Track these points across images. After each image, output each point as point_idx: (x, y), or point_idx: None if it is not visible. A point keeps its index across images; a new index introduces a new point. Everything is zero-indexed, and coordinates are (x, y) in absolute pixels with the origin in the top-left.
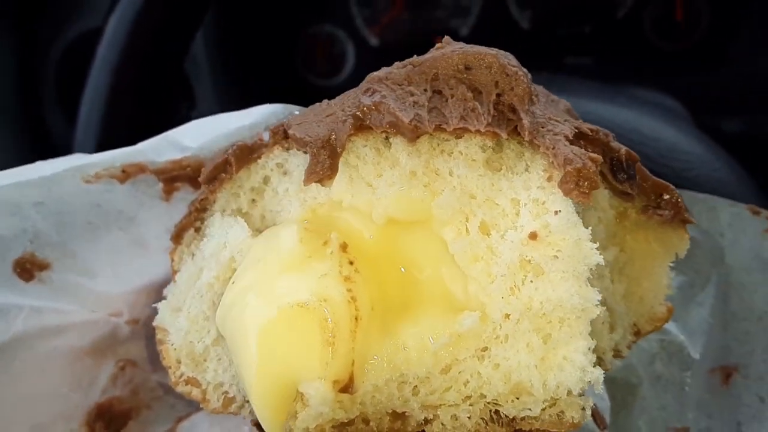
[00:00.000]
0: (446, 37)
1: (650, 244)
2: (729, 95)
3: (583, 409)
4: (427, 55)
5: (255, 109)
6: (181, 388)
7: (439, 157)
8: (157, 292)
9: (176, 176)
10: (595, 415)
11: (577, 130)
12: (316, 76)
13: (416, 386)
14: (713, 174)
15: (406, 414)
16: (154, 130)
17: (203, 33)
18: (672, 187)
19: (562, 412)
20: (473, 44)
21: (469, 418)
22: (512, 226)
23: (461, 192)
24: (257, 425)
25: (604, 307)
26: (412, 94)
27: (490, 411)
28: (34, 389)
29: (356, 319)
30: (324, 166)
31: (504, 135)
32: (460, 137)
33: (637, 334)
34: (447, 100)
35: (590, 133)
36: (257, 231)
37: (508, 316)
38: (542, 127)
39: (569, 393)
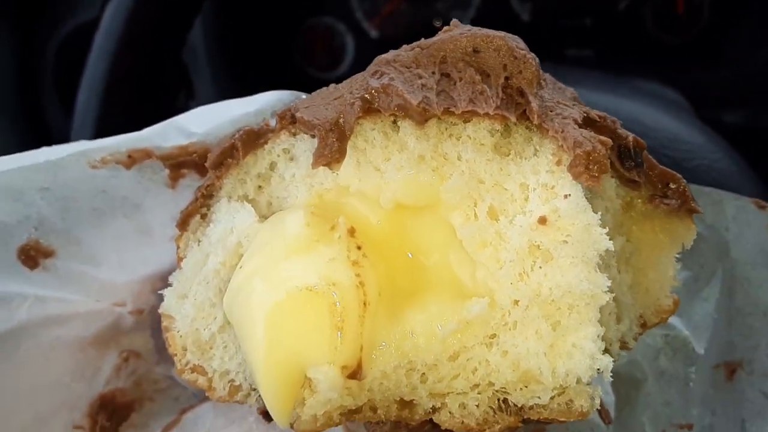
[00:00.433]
0: (454, 20)
1: (657, 235)
2: (730, 88)
3: (592, 398)
4: (435, 38)
5: (261, 96)
6: (186, 376)
7: (447, 141)
8: (162, 281)
9: (182, 162)
10: (601, 409)
11: (585, 115)
12: (316, 68)
13: (424, 373)
14: (714, 164)
15: (414, 402)
16: (151, 119)
17: (202, 25)
18: (679, 176)
19: (571, 400)
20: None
21: (477, 406)
22: (521, 210)
23: (470, 176)
24: (264, 413)
25: (613, 294)
26: (421, 77)
27: (499, 399)
28: (37, 379)
29: (364, 304)
30: (332, 148)
31: (512, 118)
32: (468, 121)
33: (644, 326)
34: (455, 83)
35: (598, 120)
36: (263, 217)
37: (516, 302)
38: (551, 111)
39: (578, 381)
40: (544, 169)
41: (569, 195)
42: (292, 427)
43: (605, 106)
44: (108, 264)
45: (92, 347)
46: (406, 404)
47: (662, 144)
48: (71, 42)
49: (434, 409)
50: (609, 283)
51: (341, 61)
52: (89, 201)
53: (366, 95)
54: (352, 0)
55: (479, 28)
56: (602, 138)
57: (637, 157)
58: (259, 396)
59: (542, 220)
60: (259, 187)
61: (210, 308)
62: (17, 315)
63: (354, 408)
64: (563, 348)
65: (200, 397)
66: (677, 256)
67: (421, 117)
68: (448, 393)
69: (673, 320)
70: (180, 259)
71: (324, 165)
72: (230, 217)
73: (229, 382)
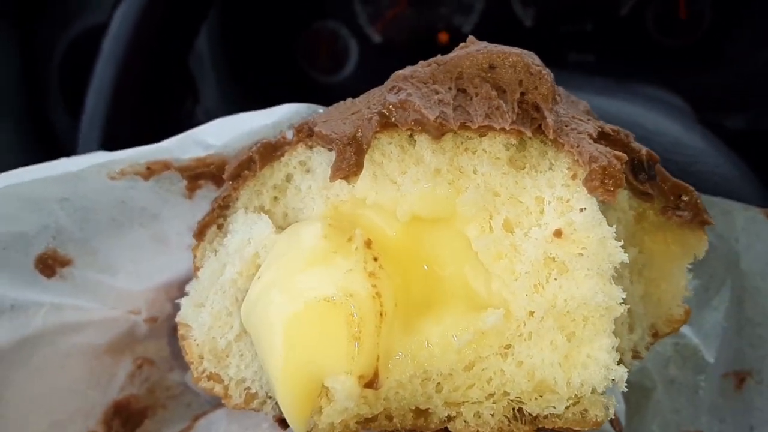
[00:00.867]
0: (470, 37)
1: (669, 246)
2: (732, 92)
3: (607, 407)
4: (452, 54)
5: (278, 108)
6: (203, 384)
7: (463, 155)
8: (177, 290)
9: (200, 174)
10: (612, 417)
11: (600, 129)
12: (319, 72)
13: (439, 383)
14: (716, 169)
15: (429, 411)
16: (158, 123)
17: (207, 29)
18: (691, 188)
19: (586, 410)
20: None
21: (492, 415)
22: (536, 223)
23: (485, 190)
24: (280, 421)
25: (627, 306)
26: (437, 92)
27: (513, 409)
28: (52, 386)
29: (381, 314)
30: (350, 162)
31: (528, 133)
32: (484, 135)
33: (656, 335)
34: (471, 99)
35: (612, 134)
36: (280, 228)
37: (532, 313)
38: (566, 126)
39: (593, 391)
40: (559, 182)
41: (584, 208)
42: None
43: (607, 111)
44: (124, 273)
45: (107, 354)
46: (421, 413)
47: (664, 149)
48: (78, 45)
49: (449, 418)
50: (624, 295)
51: (344, 66)
52: (108, 212)
53: (384, 110)
54: (356, 4)
55: (495, 44)
56: (617, 153)
57: (651, 170)
58: (275, 404)
59: (558, 233)
60: (275, 198)
61: (227, 317)
62: (33, 322)
63: (370, 417)
64: (578, 359)
65: (213, 403)
66: (688, 266)
67: (438, 132)
68: (464, 402)
69: (683, 329)
70: (197, 269)
71: (341, 178)
72: (248, 227)
73: (245, 389)
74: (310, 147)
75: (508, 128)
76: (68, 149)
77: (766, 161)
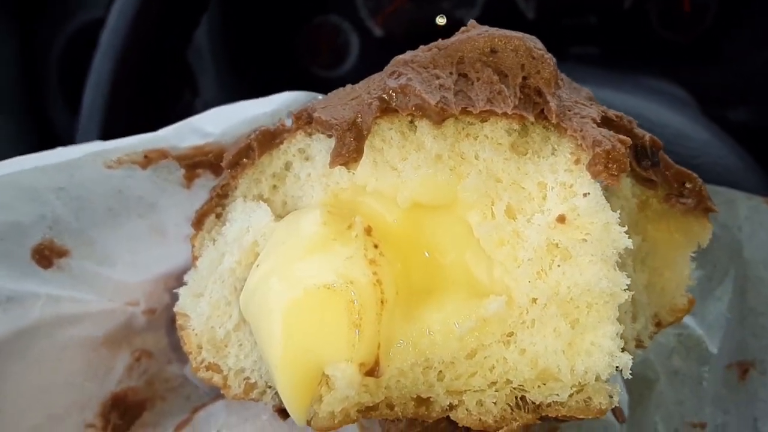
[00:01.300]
0: (472, 21)
1: (672, 234)
2: (735, 86)
3: (611, 395)
4: (453, 39)
5: (277, 96)
6: (201, 374)
7: (464, 141)
8: (175, 281)
9: (198, 162)
10: (614, 407)
11: (603, 114)
12: (320, 66)
13: (441, 371)
14: (719, 161)
15: (431, 399)
16: (157, 116)
17: (207, 22)
18: (695, 175)
19: (590, 398)
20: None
21: (494, 403)
22: (539, 209)
23: (487, 176)
24: (279, 411)
25: (632, 293)
26: (438, 77)
27: (516, 397)
28: (49, 378)
29: (382, 302)
30: (350, 148)
31: (531, 118)
32: (486, 120)
33: (659, 324)
34: (473, 83)
35: (615, 119)
36: (279, 217)
37: (534, 300)
38: (569, 110)
39: (597, 378)
40: (562, 168)
41: (588, 194)
42: (309, 424)
43: (611, 102)
44: (121, 263)
45: (105, 347)
46: (422, 401)
47: (667, 140)
48: (76, 40)
49: (451, 407)
50: (628, 281)
51: (345, 59)
52: (104, 201)
53: (384, 95)
54: None
55: (496, 28)
56: (621, 137)
57: (654, 156)
58: (275, 393)
59: (561, 219)
60: (274, 186)
61: (225, 306)
62: (30, 314)
63: (371, 405)
64: (582, 346)
65: (212, 395)
66: (692, 255)
67: (439, 117)
68: (466, 390)
69: (686, 319)
70: (195, 258)
71: (341, 164)
72: (246, 216)
73: (244, 379)
74: (310, 134)
75: (510, 113)
76: (67, 143)
77: None
